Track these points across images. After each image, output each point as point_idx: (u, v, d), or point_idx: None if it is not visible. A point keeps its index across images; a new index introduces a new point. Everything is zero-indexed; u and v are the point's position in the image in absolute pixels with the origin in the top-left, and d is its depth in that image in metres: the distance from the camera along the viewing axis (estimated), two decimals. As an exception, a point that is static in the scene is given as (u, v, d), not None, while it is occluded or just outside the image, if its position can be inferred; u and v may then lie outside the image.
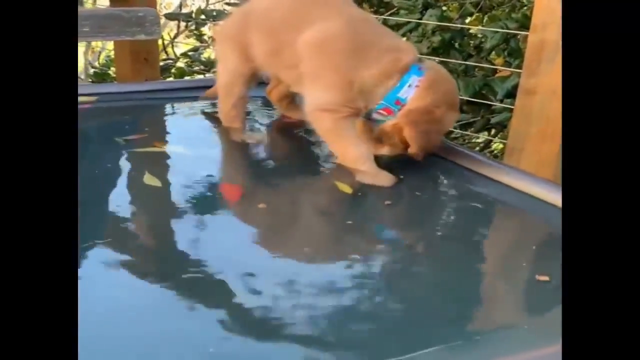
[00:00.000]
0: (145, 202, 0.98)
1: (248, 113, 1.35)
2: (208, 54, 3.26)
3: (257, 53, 1.21)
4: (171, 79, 2.97)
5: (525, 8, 2.24)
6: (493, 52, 2.16)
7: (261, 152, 1.23)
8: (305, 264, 0.82)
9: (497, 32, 2.05)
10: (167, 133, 1.32)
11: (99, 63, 3.98)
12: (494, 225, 1.04)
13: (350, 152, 1.10)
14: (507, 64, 2.07)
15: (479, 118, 2.23)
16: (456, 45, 2.22)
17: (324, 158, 1.18)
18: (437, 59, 2.07)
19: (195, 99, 1.48)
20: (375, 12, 2.46)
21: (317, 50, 1.10)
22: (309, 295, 0.73)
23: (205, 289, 0.73)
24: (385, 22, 2.23)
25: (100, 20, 1.80)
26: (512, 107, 1.53)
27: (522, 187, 1.04)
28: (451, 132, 2.29)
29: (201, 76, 2.97)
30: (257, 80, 1.32)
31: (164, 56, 3.24)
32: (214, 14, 2.89)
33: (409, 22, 2.20)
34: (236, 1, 2.96)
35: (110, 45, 3.70)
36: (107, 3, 2.40)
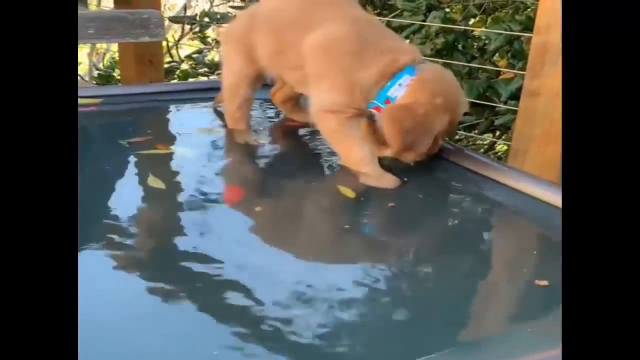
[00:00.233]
0: (149, 204, 0.98)
1: (252, 115, 1.35)
2: (212, 56, 3.27)
3: (262, 54, 1.22)
4: (175, 81, 2.97)
5: (529, 10, 2.23)
6: (497, 54, 2.16)
7: (265, 154, 1.24)
8: (308, 267, 0.82)
9: (501, 34, 2.05)
10: (171, 135, 1.32)
11: (103, 65, 3.99)
12: (496, 228, 1.04)
13: (354, 153, 1.10)
14: (511, 66, 2.07)
15: (483, 120, 2.22)
16: (460, 47, 2.21)
17: (327, 160, 1.18)
18: (440, 60, 2.07)
19: (200, 101, 1.48)
20: (379, 14, 2.46)
21: (322, 52, 1.11)
22: (311, 299, 0.73)
23: (208, 291, 0.74)
24: (388, 24, 2.23)
25: (105, 22, 1.81)
26: (516, 109, 1.52)
27: (525, 189, 1.04)
28: (456, 133, 2.29)
29: (205, 78, 2.97)
30: (262, 82, 1.33)
31: (168, 58, 3.25)
32: (218, 16, 2.89)
33: (412, 24, 2.20)
34: (240, 4, 2.97)
35: (114, 47, 3.71)
36: (112, 5, 2.41)
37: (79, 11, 1.84)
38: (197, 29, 3.15)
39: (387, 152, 1.14)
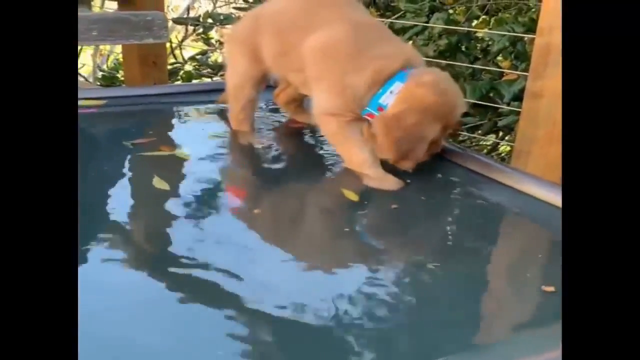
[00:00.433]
0: (154, 205, 0.98)
1: (256, 116, 1.36)
2: (216, 57, 3.27)
3: (266, 55, 1.22)
4: (179, 82, 2.98)
5: (532, 11, 2.23)
6: (500, 55, 2.16)
7: (269, 156, 1.24)
8: (311, 270, 0.82)
9: (504, 35, 2.05)
10: (175, 136, 1.32)
11: (107, 66, 4.00)
12: (500, 230, 1.04)
13: (355, 155, 1.10)
14: (514, 67, 2.07)
15: (486, 121, 2.22)
16: (463, 48, 2.21)
17: (330, 162, 1.18)
18: (443, 62, 2.07)
19: (203, 102, 1.49)
20: (382, 16, 2.46)
21: (319, 55, 1.12)
22: (314, 302, 0.73)
23: (212, 292, 0.74)
24: (391, 26, 2.23)
25: (109, 24, 1.81)
26: (519, 110, 1.52)
27: (528, 191, 1.04)
28: (458, 134, 2.29)
29: (209, 80, 2.98)
30: (266, 84, 1.33)
31: (172, 60, 3.26)
32: (222, 17, 2.89)
33: (415, 26, 2.20)
34: (243, 5, 2.97)
35: (118, 48, 3.72)
36: (115, 7, 2.41)
37: (82, 13, 1.85)
38: (200, 30, 3.16)
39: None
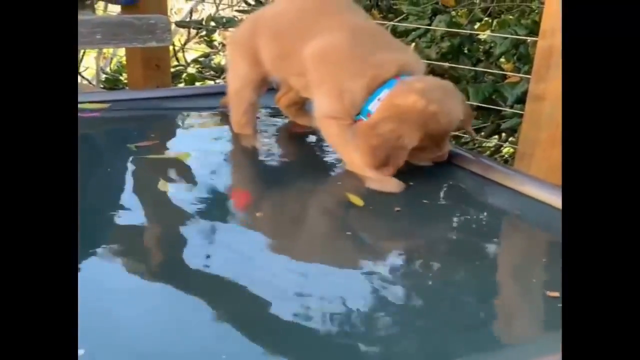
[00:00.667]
0: (158, 208, 0.99)
1: (258, 119, 1.36)
2: (218, 60, 3.28)
3: (266, 58, 1.23)
4: (182, 85, 2.99)
5: (534, 14, 2.23)
6: (502, 58, 2.16)
7: (272, 159, 1.24)
8: (315, 273, 0.82)
9: (507, 38, 2.05)
10: (178, 139, 1.33)
11: (110, 69, 4.01)
12: (504, 234, 1.03)
13: (356, 157, 1.11)
14: (517, 70, 2.07)
15: (489, 123, 2.22)
16: (465, 51, 2.21)
17: (333, 165, 1.19)
18: (446, 64, 2.07)
19: (206, 105, 1.49)
20: (384, 18, 2.46)
21: (319, 61, 1.13)
22: (319, 305, 0.73)
23: (217, 295, 0.74)
24: (394, 29, 2.24)
25: (112, 28, 1.82)
26: (522, 112, 1.53)
27: (532, 193, 1.04)
28: (461, 137, 2.29)
29: (212, 82, 2.99)
30: (267, 87, 1.33)
31: (175, 62, 3.27)
32: (224, 20, 2.90)
33: (418, 28, 2.21)
34: (245, 8, 2.98)
35: (121, 51, 3.74)
36: (119, 10, 2.42)
37: (86, 17, 1.86)
38: (203, 33, 3.17)
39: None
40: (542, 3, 1.51)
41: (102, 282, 0.76)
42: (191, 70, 3.16)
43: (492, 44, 2.17)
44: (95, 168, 1.13)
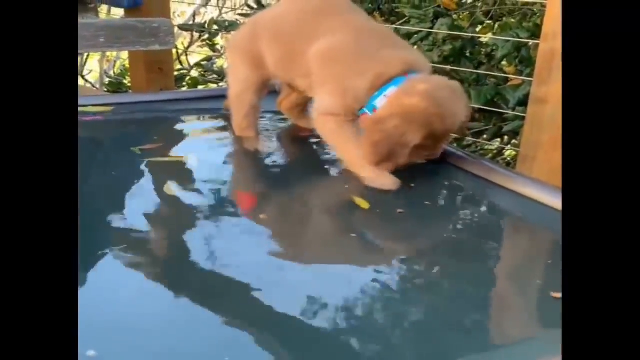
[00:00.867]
0: (164, 211, 0.99)
1: (260, 122, 1.36)
2: (221, 63, 3.29)
3: (268, 60, 1.23)
4: (185, 88, 2.99)
5: (536, 17, 2.24)
6: (504, 61, 2.16)
7: (275, 161, 1.25)
8: (318, 274, 0.83)
9: (509, 41, 2.05)
10: (182, 142, 1.33)
11: (114, 72, 4.02)
12: (506, 236, 1.03)
13: (353, 154, 1.11)
14: (519, 73, 2.07)
15: (491, 126, 2.23)
16: (467, 54, 2.22)
17: (336, 167, 1.19)
18: (448, 67, 2.08)
19: (209, 108, 1.50)
20: (386, 22, 2.47)
21: (325, 60, 1.14)
22: (323, 307, 0.73)
23: (223, 297, 0.74)
24: (396, 32, 2.24)
25: (116, 31, 1.84)
26: (524, 115, 1.53)
27: (533, 196, 1.04)
28: (463, 139, 2.30)
29: (215, 86, 2.99)
30: (268, 90, 1.34)
31: (178, 66, 3.27)
32: (227, 24, 2.91)
33: (420, 31, 2.21)
34: (248, 12, 2.99)
35: (125, 54, 3.75)
36: (122, 14, 2.43)
37: (90, 20, 1.87)
38: (206, 37, 3.18)
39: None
40: (544, 6, 1.52)
41: (111, 284, 0.76)
42: (194, 73, 3.17)
43: (494, 47, 2.17)
44: (100, 171, 1.14)
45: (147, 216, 0.96)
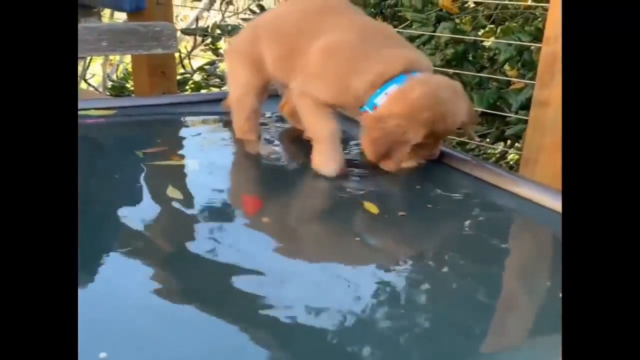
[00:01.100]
0: (166, 214, 0.99)
1: (262, 124, 1.37)
2: (224, 67, 3.30)
3: (268, 61, 1.23)
4: (188, 92, 3.00)
5: (538, 21, 2.24)
6: (507, 64, 2.16)
7: (276, 164, 1.25)
8: (322, 278, 0.82)
9: (511, 44, 2.05)
10: (185, 146, 1.34)
11: (116, 76, 4.04)
12: (510, 239, 1.03)
13: (319, 126, 1.14)
14: (521, 76, 2.07)
15: (493, 129, 2.23)
16: (469, 57, 2.22)
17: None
18: (450, 71, 2.08)
19: (212, 111, 1.50)
20: (389, 25, 2.48)
21: (325, 56, 1.14)
22: (326, 311, 0.73)
23: (226, 300, 0.74)
24: (398, 35, 2.24)
25: (118, 35, 1.84)
26: (527, 118, 1.53)
27: (536, 199, 1.04)
28: (466, 143, 2.30)
29: (217, 89, 3.00)
30: (268, 93, 1.34)
31: (180, 70, 3.28)
32: (229, 28, 2.92)
33: (422, 35, 2.22)
34: (250, 16, 3.00)
35: (127, 58, 3.76)
36: (125, 17, 2.44)
37: (93, 24, 1.88)
38: (208, 41, 3.19)
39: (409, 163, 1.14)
40: (546, 10, 1.52)
41: (116, 287, 0.76)
42: (197, 77, 3.18)
43: (497, 51, 2.18)
44: (103, 174, 1.14)
45: (150, 219, 0.96)
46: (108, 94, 3.48)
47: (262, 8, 2.87)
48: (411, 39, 2.22)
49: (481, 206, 1.10)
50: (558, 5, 1.32)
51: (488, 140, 2.30)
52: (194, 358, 0.63)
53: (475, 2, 2.49)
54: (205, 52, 3.52)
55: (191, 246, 0.89)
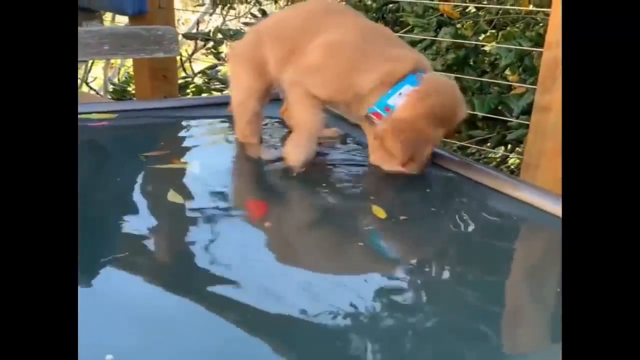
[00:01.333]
0: (168, 217, 0.99)
1: (264, 127, 1.37)
2: (225, 71, 3.31)
3: (271, 62, 1.23)
4: (189, 96, 3.01)
5: (539, 26, 2.24)
6: (508, 69, 2.17)
7: (278, 168, 1.25)
8: (325, 282, 0.82)
9: (512, 49, 2.06)
10: (186, 149, 1.34)
11: (118, 79, 4.04)
12: (512, 243, 1.03)
13: (304, 118, 1.15)
14: (522, 81, 2.08)
15: (495, 134, 2.23)
16: (471, 62, 2.23)
17: (338, 171, 1.19)
18: (452, 75, 2.08)
19: (213, 115, 1.50)
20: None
21: (326, 52, 1.13)
22: (329, 315, 0.73)
23: (226, 306, 0.74)
24: (400, 40, 2.25)
25: (120, 38, 1.84)
26: (528, 123, 1.53)
27: (537, 204, 1.04)
28: (467, 147, 2.30)
29: (219, 94, 3.01)
30: (270, 98, 1.34)
31: (182, 73, 3.29)
32: (231, 32, 2.93)
33: (423, 40, 2.22)
34: (252, 20, 3.00)
35: (129, 61, 3.77)
36: (127, 21, 2.45)
37: (94, 27, 1.88)
38: (210, 45, 3.20)
39: (394, 166, 1.14)
40: (547, 15, 1.52)
41: (118, 290, 0.76)
42: (198, 81, 3.19)
43: (498, 56, 2.18)
44: (105, 177, 1.14)
45: (152, 222, 0.96)
46: (109, 97, 3.49)
47: (264, 13, 2.88)
48: (413, 44, 2.23)
49: (482, 211, 1.09)
50: (559, 10, 1.33)
51: (489, 144, 2.31)
52: (192, 356, 0.64)
53: (476, 7, 2.50)
54: (206, 55, 3.52)
55: (191, 249, 0.88)
